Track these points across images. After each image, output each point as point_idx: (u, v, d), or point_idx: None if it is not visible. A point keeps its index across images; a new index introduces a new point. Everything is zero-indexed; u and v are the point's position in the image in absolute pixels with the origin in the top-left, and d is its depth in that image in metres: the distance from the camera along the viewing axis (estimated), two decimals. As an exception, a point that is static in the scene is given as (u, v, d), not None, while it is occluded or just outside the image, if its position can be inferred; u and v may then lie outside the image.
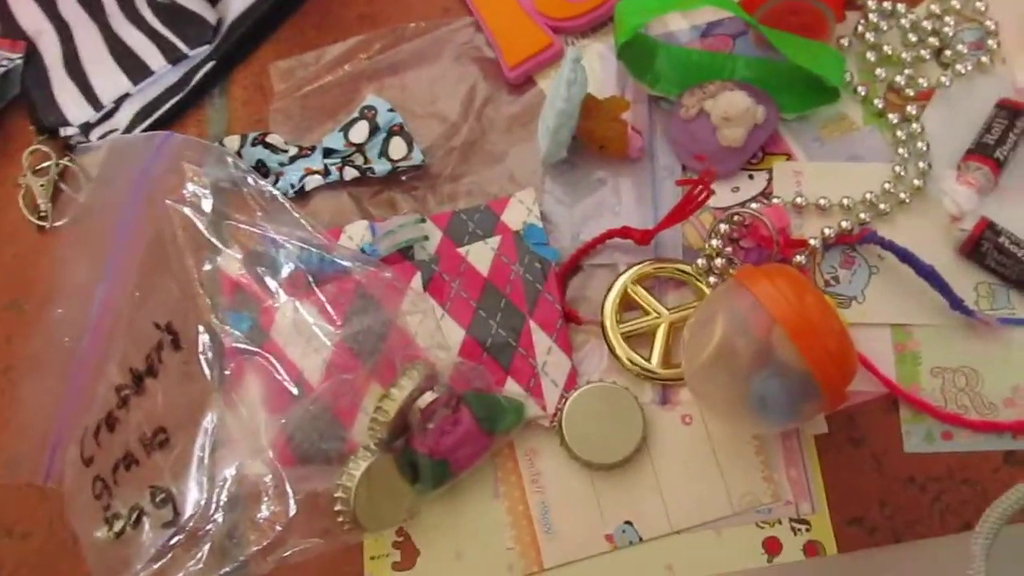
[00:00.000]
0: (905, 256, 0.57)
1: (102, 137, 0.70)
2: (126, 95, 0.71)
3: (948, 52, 0.64)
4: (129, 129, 0.70)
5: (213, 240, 0.53)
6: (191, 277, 0.52)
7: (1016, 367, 0.57)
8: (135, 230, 0.51)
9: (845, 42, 0.65)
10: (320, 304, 0.61)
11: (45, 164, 0.71)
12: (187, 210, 0.51)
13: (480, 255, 0.62)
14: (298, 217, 0.54)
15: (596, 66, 0.67)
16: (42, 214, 0.69)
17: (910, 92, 0.63)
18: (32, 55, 0.74)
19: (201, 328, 0.52)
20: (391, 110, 0.68)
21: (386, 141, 0.67)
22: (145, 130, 0.70)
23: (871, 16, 0.65)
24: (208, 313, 0.52)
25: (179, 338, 0.52)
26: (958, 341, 0.57)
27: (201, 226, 0.52)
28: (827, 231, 0.59)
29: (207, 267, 0.54)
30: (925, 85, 0.63)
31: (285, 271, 0.61)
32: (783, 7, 0.62)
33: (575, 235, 0.63)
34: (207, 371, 0.55)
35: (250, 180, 0.52)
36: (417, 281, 0.62)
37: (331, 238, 0.64)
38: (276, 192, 0.52)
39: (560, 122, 0.61)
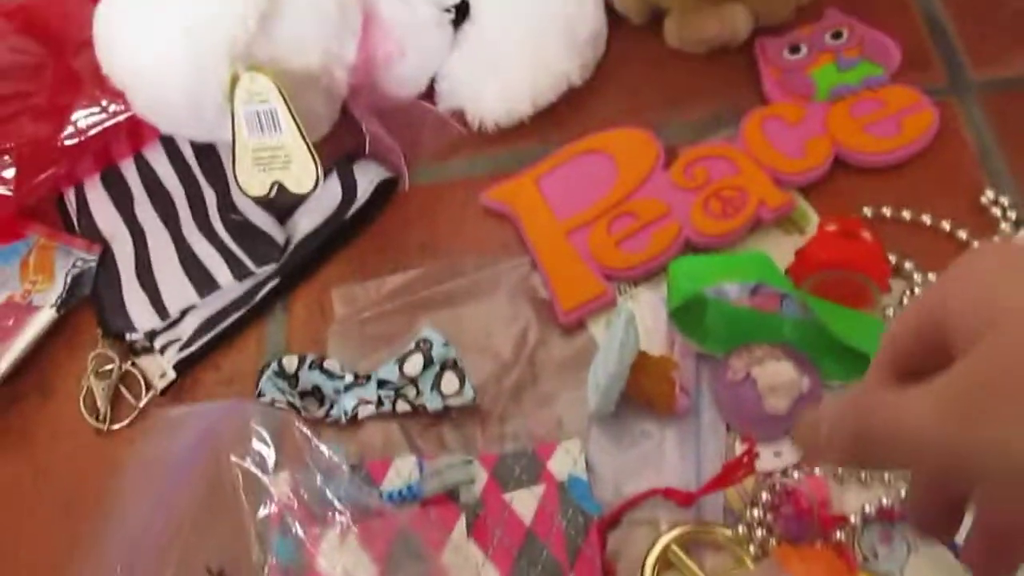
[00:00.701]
0: None
1: (165, 345, 0.73)
2: (192, 306, 0.74)
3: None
4: (192, 339, 0.73)
5: (271, 489, 0.55)
6: (247, 529, 0.54)
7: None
8: (195, 474, 0.53)
9: (890, 312, 0.67)
10: (365, 539, 0.62)
11: (108, 367, 0.73)
12: (250, 466, 0.53)
13: (524, 503, 0.64)
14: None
15: (647, 316, 0.70)
16: (101, 417, 0.72)
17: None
18: (105, 257, 0.77)
19: (254, 581, 0.53)
20: (446, 344, 0.70)
21: (439, 375, 0.69)
22: (208, 341, 0.73)
23: (916, 290, 0.67)
24: (263, 567, 0.53)
25: (231, 587, 0.54)
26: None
27: (263, 478, 0.54)
28: (867, 507, 0.60)
29: (262, 512, 0.55)
30: (968, 364, 0.65)
31: (332, 502, 0.63)
32: (828, 278, 0.65)
33: (617, 487, 0.64)
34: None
35: (313, 444, 0.54)
36: (461, 526, 0.63)
37: (379, 471, 0.66)
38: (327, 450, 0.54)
39: (611, 383, 0.63)
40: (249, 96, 0.66)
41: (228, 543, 0.53)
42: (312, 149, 0.68)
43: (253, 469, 0.53)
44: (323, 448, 0.54)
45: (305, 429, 0.54)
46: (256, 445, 0.53)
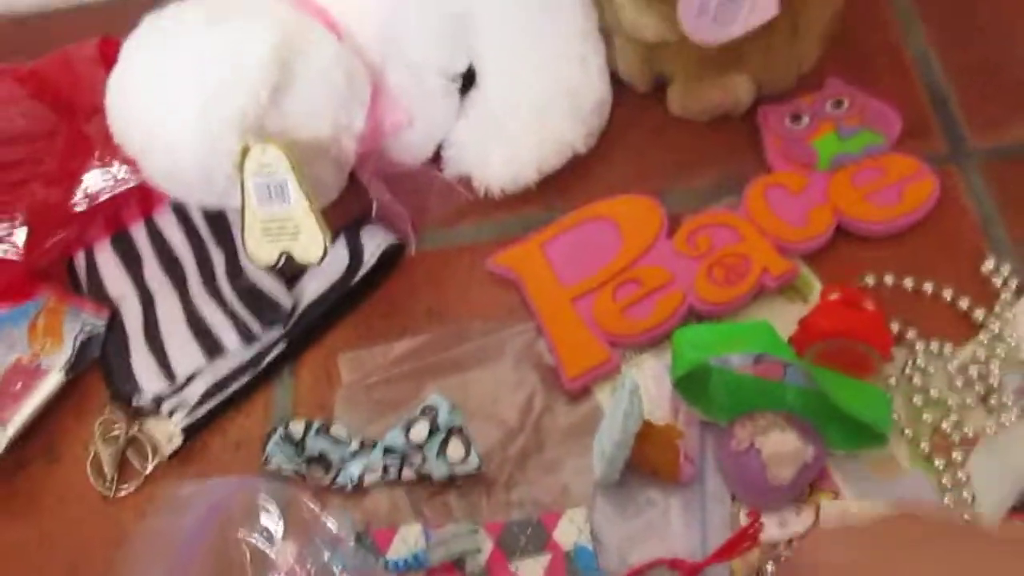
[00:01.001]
0: None
1: (173, 410, 0.73)
2: (199, 370, 0.75)
3: (993, 399, 0.66)
4: (199, 404, 0.73)
5: (277, 560, 0.55)
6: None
7: None
8: (203, 550, 0.53)
9: (893, 381, 0.68)
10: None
11: (115, 432, 0.74)
12: (258, 542, 0.53)
13: (531, 572, 0.64)
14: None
15: (651, 384, 0.70)
16: (108, 482, 0.72)
17: (955, 438, 0.65)
18: (114, 320, 0.78)
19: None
20: (452, 410, 0.70)
21: (445, 441, 0.69)
22: (215, 407, 0.73)
23: (918, 359, 0.68)
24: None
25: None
26: None
27: (270, 553, 0.54)
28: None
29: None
30: (971, 432, 0.65)
31: (336, 570, 0.63)
32: (831, 347, 0.65)
33: (623, 557, 0.64)
34: None
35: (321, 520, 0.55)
36: (467, 597, 0.63)
37: (384, 539, 0.66)
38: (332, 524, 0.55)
39: (616, 452, 0.63)
40: (259, 167, 0.67)
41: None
42: (321, 220, 0.68)
43: (260, 545, 0.53)
44: (329, 523, 0.54)
45: (312, 504, 0.54)
46: (264, 520, 0.54)
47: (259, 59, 0.66)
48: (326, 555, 0.54)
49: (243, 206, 0.69)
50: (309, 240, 0.69)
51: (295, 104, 0.69)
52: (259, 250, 0.70)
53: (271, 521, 0.54)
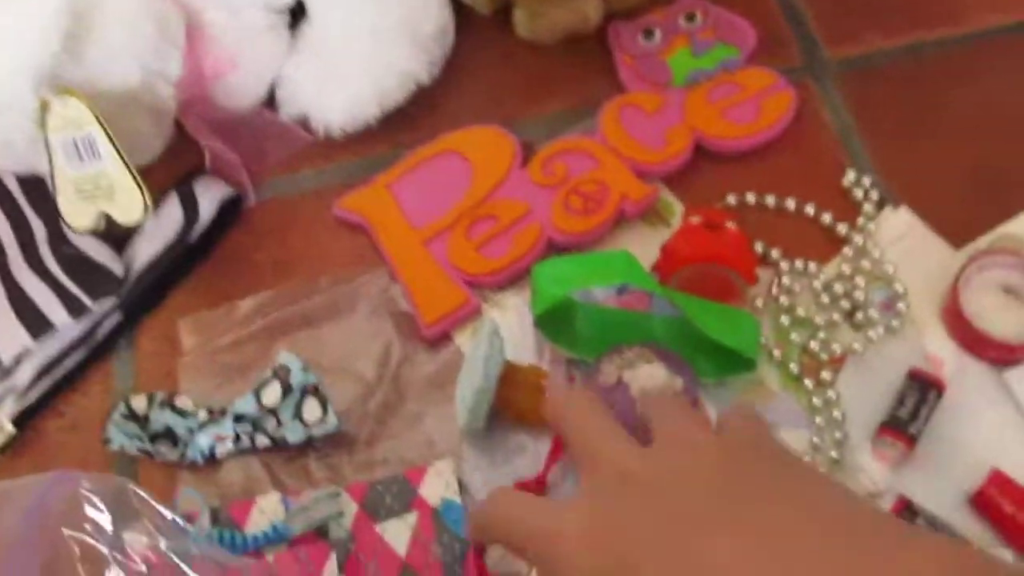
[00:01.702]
0: None
1: (1, 397, 0.67)
2: (26, 351, 0.68)
3: (860, 315, 0.65)
4: (29, 388, 0.67)
5: (116, 555, 0.50)
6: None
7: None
8: (27, 556, 0.48)
9: (760, 303, 0.66)
10: (229, 587, 0.58)
11: (-64, 427, 0.67)
12: (87, 538, 0.49)
13: (397, 533, 0.60)
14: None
15: (514, 323, 0.67)
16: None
17: (824, 356, 0.63)
18: (-75, 301, 0.71)
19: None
20: (304, 369, 0.66)
21: (300, 403, 0.65)
22: (47, 390, 0.68)
23: (784, 278, 0.66)
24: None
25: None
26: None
27: (102, 548, 0.49)
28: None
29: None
30: (839, 350, 0.63)
31: (189, 545, 0.58)
32: (695, 273, 0.63)
33: (495, 508, 0.61)
34: None
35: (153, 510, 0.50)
36: (332, 564, 0.60)
37: (242, 512, 0.62)
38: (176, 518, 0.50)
39: (478, 399, 0.60)
40: (63, 123, 0.60)
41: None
42: (136, 176, 0.62)
43: (89, 540, 0.48)
44: (162, 509, 0.50)
45: (142, 492, 0.49)
46: (90, 512, 0.49)
47: (45, 4, 0.59)
48: (163, 543, 0.50)
49: (51, 167, 0.63)
50: (128, 199, 0.63)
51: (96, 52, 0.62)
52: (75, 213, 0.64)
53: (98, 512, 0.49)
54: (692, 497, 0.41)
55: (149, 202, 0.63)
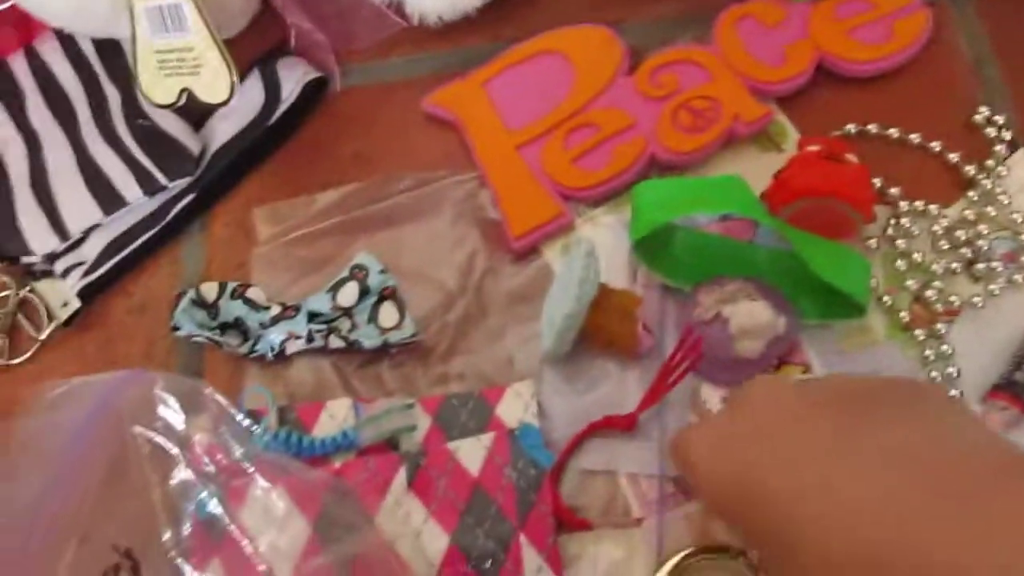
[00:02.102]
0: None
1: (67, 269, 0.65)
2: (96, 224, 0.66)
3: (980, 265, 0.60)
4: (97, 263, 0.65)
5: (186, 454, 0.49)
6: (155, 506, 0.47)
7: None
8: (94, 449, 0.46)
9: (873, 243, 0.61)
10: (294, 491, 0.56)
11: (3, 294, 0.65)
12: (157, 437, 0.46)
13: (471, 453, 0.58)
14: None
15: (607, 242, 0.63)
16: (-2, 352, 0.64)
17: (939, 307, 0.59)
18: (-5, 166, 0.68)
19: (163, 564, 0.47)
20: (383, 271, 0.63)
21: (376, 306, 0.62)
22: (116, 265, 0.65)
23: (902, 219, 0.61)
24: (173, 547, 0.47)
25: (139, 567, 0.47)
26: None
27: (171, 447, 0.47)
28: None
29: (175, 478, 0.49)
30: (956, 302, 0.59)
31: (257, 449, 0.57)
32: (809, 207, 0.58)
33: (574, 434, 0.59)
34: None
35: (230, 417, 0.48)
36: (401, 477, 0.57)
37: (310, 415, 0.60)
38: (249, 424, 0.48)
39: (567, 323, 0.56)
40: (150, -12, 0.56)
41: (134, 521, 0.47)
42: (225, 53, 0.58)
43: (159, 439, 0.46)
44: (235, 413, 0.48)
45: (218, 396, 0.47)
46: (163, 412, 0.47)
47: None
48: (237, 451, 0.48)
49: (133, 35, 0.59)
50: (213, 76, 0.59)
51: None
52: (155, 87, 0.60)
53: (171, 412, 0.47)
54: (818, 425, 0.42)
55: (236, 81, 0.59)
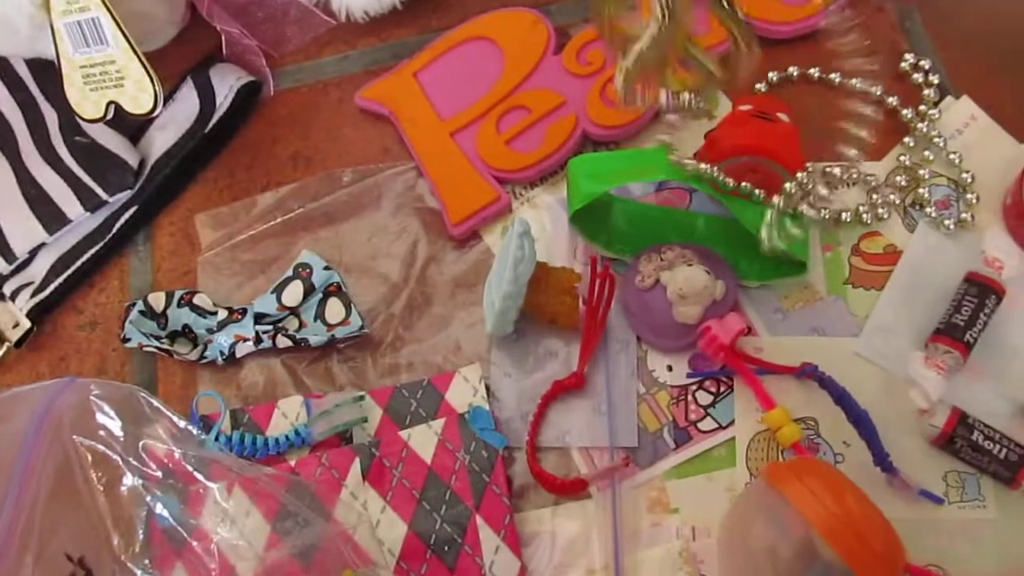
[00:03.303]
0: (841, 397, 0.54)
1: (16, 290, 0.65)
2: (41, 244, 0.66)
3: (916, 210, 0.60)
4: (45, 282, 0.65)
5: (131, 461, 0.49)
6: (102, 513, 0.48)
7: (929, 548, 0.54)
8: (41, 462, 0.47)
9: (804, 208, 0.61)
10: (252, 491, 0.57)
11: (-47, 319, 0.66)
12: (98, 445, 0.47)
13: (423, 440, 0.58)
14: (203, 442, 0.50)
15: (546, 221, 0.63)
16: (-51, 375, 0.64)
17: (876, 255, 0.59)
18: (-61, 193, 0.68)
19: (116, 570, 0.47)
20: (327, 268, 0.63)
21: (322, 302, 0.63)
22: (64, 282, 0.65)
23: (835, 170, 0.61)
24: (123, 552, 0.48)
25: (93, 575, 0.48)
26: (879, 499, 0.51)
27: (114, 455, 0.48)
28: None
29: (124, 485, 0.49)
30: (893, 249, 0.59)
31: (210, 452, 0.57)
32: (741, 167, 0.59)
33: (524, 414, 0.59)
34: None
35: (166, 417, 0.48)
36: (356, 470, 0.58)
37: (263, 415, 0.60)
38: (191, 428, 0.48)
39: (506, 304, 0.57)
40: (67, 5, 0.57)
41: (84, 529, 0.47)
42: (146, 64, 0.59)
43: (101, 447, 0.47)
44: (174, 417, 0.48)
45: (153, 399, 0.47)
46: (101, 420, 0.47)
47: None
48: (190, 455, 0.48)
49: (57, 53, 0.59)
50: (136, 87, 0.59)
51: (98, -75, 0.58)
52: (83, 102, 0.61)
53: (108, 419, 0.47)
54: None
55: (160, 91, 0.59)
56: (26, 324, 0.64)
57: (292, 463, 0.59)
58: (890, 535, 0.47)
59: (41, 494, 0.48)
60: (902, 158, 0.62)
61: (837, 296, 0.60)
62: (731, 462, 0.57)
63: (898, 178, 0.61)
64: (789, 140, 0.59)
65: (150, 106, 0.59)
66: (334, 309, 0.62)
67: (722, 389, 0.58)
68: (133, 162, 0.66)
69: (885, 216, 0.60)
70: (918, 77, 0.64)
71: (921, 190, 0.61)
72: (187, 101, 0.68)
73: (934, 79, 0.64)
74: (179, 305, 0.63)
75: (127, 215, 0.67)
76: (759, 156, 0.58)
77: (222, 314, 0.62)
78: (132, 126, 0.68)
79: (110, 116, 0.61)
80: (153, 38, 0.65)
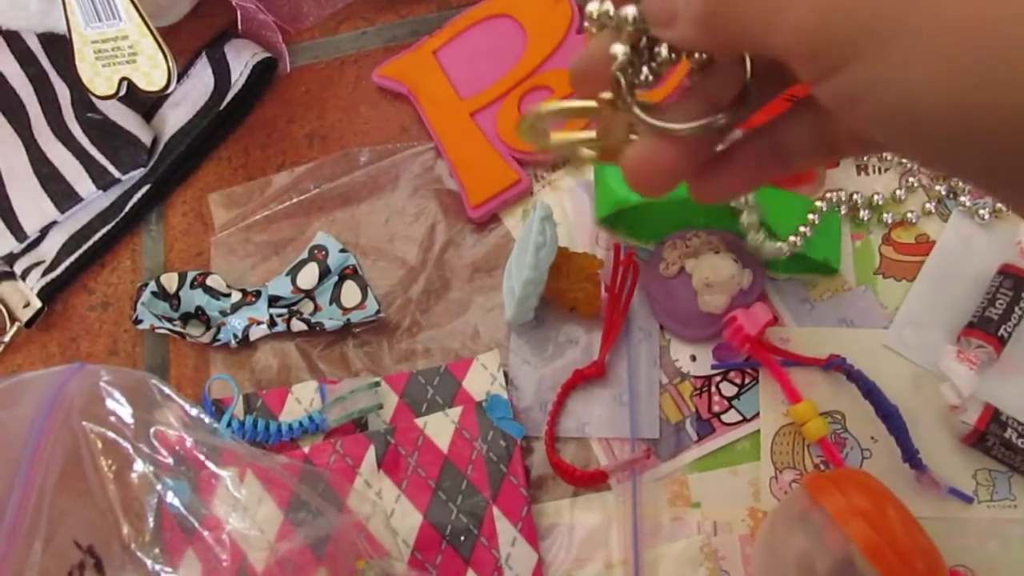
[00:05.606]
0: (871, 391, 0.53)
1: (27, 269, 0.64)
2: (52, 222, 0.65)
3: (949, 198, 0.58)
4: (56, 262, 0.64)
5: (141, 447, 0.48)
6: (112, 502, 0.47)
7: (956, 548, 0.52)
8: (50, 447, 0.46)
9: (833, 196, 0.60)
10: (264, 479, 0.56)
11: (-37, 298, 0.65)
12: (108, 431, 0.46)
13: (439, 428, 0.57)
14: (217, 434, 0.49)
15: (567, 205, 0.62)
16: (-41, 353, 0.63)
17: (908, 244, 0.58)
18: (-51, 170, 0.67)
19: (126, 559, 0.46)
20: (343, 250, 0.62)
21: (338, 285, 0.61)
22: (75, 262, 0.64)
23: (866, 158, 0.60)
24: (133, 540, 0.47)
25: (102, 564, 0.47)
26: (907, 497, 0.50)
27: (124, 442, 0.47)
28: (817, 410, 0.55)
29: (135, 472, 0.48)
30: (925, 239, 0.58)
31: (226, 438, 0.56)
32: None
33: (543, 403, 0.58)
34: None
35: (176, 404, 0.47)
36: (371, 457, 0.57)
37: (276, 400, 0.59)
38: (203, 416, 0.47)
39: (527, 290, 0.55)
40: (78, -23, 0.55)
41: (94, 516, 0.46)
42: (159, 39, 0.57)
43: (110, 434, 0.45)
44: (185, 404, 0.47)
45: (164, 385, 0.46)
46: (111, 406, 0.46)
47: None
48: (202, 441, 0.47)
49: (68, 27, 0.58)
50: (149, 64, 0.57)
51: None
52: (95, 78, 0.59)
53: (118, 406, 0.46)
54: None
55: (174, 68, 0.57)
56: (37, 304, 0.63)
57: (306, 450, 0.57)
58: (933, 556, 0.45)
59: (50, 481, 0.47)
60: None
61: (866, 286, 0.58)
62: (755, 456, 0.55)
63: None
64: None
65: (163, 83, 0.58)
66: (350, 292, 0.61)
67: (747, 381, 0.57)
68: (146, 140, 0.65)
69: (930, 209, 0.58)
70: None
71: (953, 180, 0.59)
72: (201, 78, 0.66)
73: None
74: (192, 286, 0.62)
75: (140, 194, 0.65)
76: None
77: (235, 296, 0.61)
78: (145, 103, 0.66)
79: (123, 93, 0.59)
80: (167, 13, 0.63)
